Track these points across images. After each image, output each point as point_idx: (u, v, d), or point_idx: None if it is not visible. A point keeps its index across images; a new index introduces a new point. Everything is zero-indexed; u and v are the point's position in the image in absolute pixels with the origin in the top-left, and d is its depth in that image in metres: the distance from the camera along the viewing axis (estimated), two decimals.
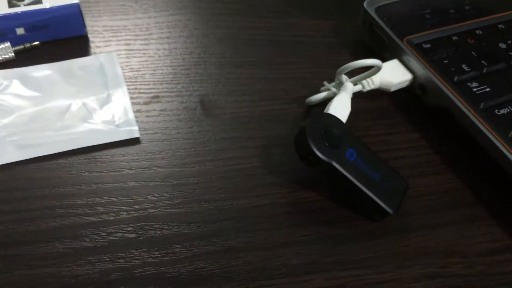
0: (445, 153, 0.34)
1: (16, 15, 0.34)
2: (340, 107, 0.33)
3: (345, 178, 0.28)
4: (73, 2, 0.36)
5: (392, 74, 0.36)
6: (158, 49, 0.38)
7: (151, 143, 0.32)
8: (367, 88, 0.35)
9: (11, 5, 0.35)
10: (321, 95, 0.35)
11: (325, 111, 0.32)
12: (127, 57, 0.37)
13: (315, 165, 0.28)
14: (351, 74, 0.34)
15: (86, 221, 0.28)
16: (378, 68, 0.33)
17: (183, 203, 0.29)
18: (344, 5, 0.44)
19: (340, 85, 0.34)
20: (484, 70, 0.35)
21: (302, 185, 0.31)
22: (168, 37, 0.39)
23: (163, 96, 0.35)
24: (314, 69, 0.39)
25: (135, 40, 0.39)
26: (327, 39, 0.41)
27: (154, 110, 0.34)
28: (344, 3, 0.45)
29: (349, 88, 0.33)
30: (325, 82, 0.35)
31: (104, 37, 0.38)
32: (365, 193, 0.28)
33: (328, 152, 0.28)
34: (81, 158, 0.30)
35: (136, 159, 0.31)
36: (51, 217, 0.28)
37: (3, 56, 0.34)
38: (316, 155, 0.28)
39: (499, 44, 0.37)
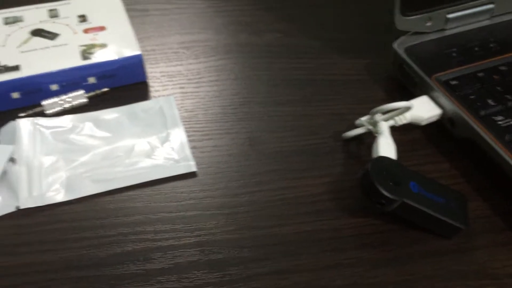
0: (474, 181, 0.37)
1: (88, 66, 0.40)
2: (387, 147, 0.35)
3: (418, 210, 0.31)
4: (136, 53, 0.41)
5: (422, 109, 0.39)
6: (208, 91, 0.43)
7: (206, 176, 0.36)
8: (399, 123, 0.38)
9: (83, 57, 0.40)
10: (357, 130, 0.39)
11: (375, 155, 0.35)
12: (182, 99, 0.42)
13: (387, 206, 0.32)
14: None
15: (154, 245, 0.32)
16: (408, 108, 0.36)
17: (236, 230, 0.33)
18: (375, 45, 0.48)
19: (374, 123, 0.37)
20: (509, 104, 0.38)
21: (341, 213, 0.35)
22: (217, 80, 0.44)
23: (214, 134, 0.39)
24: (349, 105, 0.42)
25: (188, 83, 0.44)
26: (361, 77, 0.45)
27: (207, 146, 0.39)
28: (375, 42, 0.49)
29: (385, 128, 0.37)
30: (360, 119, 0.39)
31: (161, 82, 0.43)
32: (438, 217, 0.32)
33: (396, 191, 0.31)
34: (148, 191, 0.35)
35: (194, 190, 0.35)
36: (125, 242, 0.32)
37: (78, 101, 0.40)
38: (388, 197, 0.31)
39: None
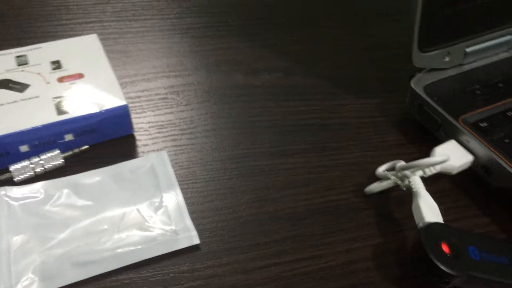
0: None
1: (65, 122, 0.34)
2: (431, 209, 0.30)
3: (485, 280, 0.27)
4: (121, 104, 0.35)
5: (452, 156, 0.34)
6: (205, 143, 0.37)
7: (211, 248, 0.31)
8: (429, 173, 0.33)
9: (59, 111, 0.34)
10: (381, 185, 0.34)
11: (419, 220, 0.30)
12: (175, 154, 0.36)
13: (450, 283, 0.27)
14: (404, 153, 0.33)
15: None
16: (443, 162, 0.31)
17: None
18: (386, 82, 0.44)
19: (403, 178, 0.33)
20: None
21: (379, 285, 0.29)
22: (213, 129, 0.39)
23: (216, 194, 0.34)
24: (366, 153, 0.37)
25: (181, 134, 0.38)
26: (374, 119, 0.40)
27: (210, 210, 0.33)
28: (386, 80, 0.44)
29: (420, 183, 0.32)
30: (382, 169, 0.34)
31: (150, 134, 0.38)
32: (508, 284, 0.27)
33: (457, 264, 0.27)
34: (143, 272, 0.29)
35: (199, 268, 0.29)
36: None
37: (53, 164, 0.34)
38: (453, 275, 0.26)
39: None
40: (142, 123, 0.39)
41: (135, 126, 0.38)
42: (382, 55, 0.47)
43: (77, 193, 0.32)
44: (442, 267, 0.26)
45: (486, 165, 0.34)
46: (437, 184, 0.35)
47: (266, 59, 0.46)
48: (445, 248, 0.27)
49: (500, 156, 0.33)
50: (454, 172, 0.34)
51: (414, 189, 0.31)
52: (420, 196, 0.31)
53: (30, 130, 0.33)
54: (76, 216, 0.31)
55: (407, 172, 0.32)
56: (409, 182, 0.32)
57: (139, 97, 0.41)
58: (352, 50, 0.48)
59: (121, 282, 0.28)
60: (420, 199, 0.30)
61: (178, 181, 0.34)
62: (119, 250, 0.29)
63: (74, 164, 0.35)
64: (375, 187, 0.34)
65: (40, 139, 0.34)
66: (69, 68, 0.38)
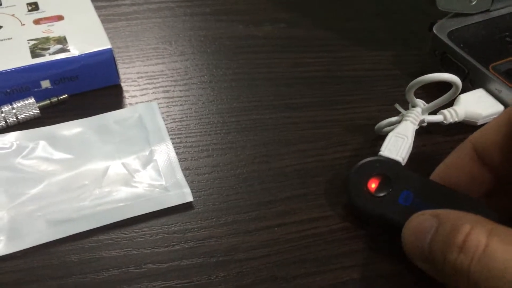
0: None
1: (40, 66, 0.30)
2: (398, 146, 0.28)
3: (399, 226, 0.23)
4: (105, 47, 0.31)
5: (479, 105, 0.31)
6: (200, 95, 0.33)
7: (206, 207, 0.27)
8: (450, 120, 0.30)
9: (34, 54, 0.30)
10: (390, 120, 0.30)
11: (381, 150, 0.28)
12: (167, 106, 0.32)
13: (365, 218, 0.26)
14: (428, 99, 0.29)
15: None
16: (457, 88, 0.27)
17: (255, 284, 0.24)
18: (399, 34, 0.40)
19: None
20: None
21: (396, 248, 0.25)
22: (210, 81, 0.34)
23: (213, 149, 0.30)
24: (382, 107, 0.33)
25: (174, 86, 0.34)
26: (390, 72, 0.36)
27: (205, 166, 0.29)
28: (398, 31, 0.40)
29: (413, 114, 0.28)
30: (396, 105, 0.30)
31: (139, 84, 0.34)
32: None
33: (374, 202, 0.25)
34: (127, 232, 0.25)
35: (192, 228, 0.26)
36: None
37: (27, 114, 0.30)
38: (362, 209, 0.25)
39: None
40: (131, 73, 0.34)
41: (122, 76, 0.34)
42: (393, 6, 0.43)
43: (54, 145, 0.28)
44: (353, 201, 0.25)
45: None
46: (456, 137, 0.31)
47: (268, 10, 0.41)
48: (372, 185, 0.25)
49: None
50: (480, 122, 0.30)
51: (402, 119, 0.29)
52: (398, 128, 0.28)
53: (0, 73, 0.29)
54: (52, 170, 0.27)
55: (418, 104, 0.29)
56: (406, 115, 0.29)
57: (127, 46, 0.37)
58: (360, 2, 0.43)
59: (102, 242, 0.24)
60: (395, 130, 0.28)
61: (170, 134, 0.30)
62: (101, 208, 0.25)
63: (52, 115, 0.31)
64: (383, 123, 0.30)
65: (12, 86, 0.30)
66: (47, 10, 0.33)
